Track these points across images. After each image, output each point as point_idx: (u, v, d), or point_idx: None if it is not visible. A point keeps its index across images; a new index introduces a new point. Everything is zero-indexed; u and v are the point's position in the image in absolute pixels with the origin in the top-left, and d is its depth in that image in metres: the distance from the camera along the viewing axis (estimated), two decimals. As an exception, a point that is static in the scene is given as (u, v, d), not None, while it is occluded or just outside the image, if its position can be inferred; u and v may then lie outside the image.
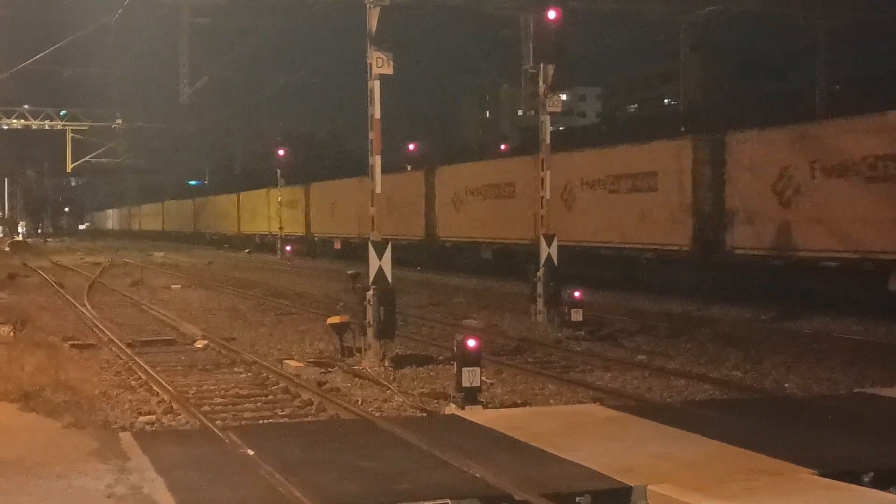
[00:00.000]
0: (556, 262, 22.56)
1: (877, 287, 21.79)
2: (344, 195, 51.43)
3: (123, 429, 11.49)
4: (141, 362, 16.27)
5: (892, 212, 21.50)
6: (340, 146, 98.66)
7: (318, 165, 78.58)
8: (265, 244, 63.87)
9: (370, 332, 16.36)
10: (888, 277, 21.57)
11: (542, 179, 23.17)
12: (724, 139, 26.65)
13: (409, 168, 50.32)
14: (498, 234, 36.88)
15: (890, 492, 8.35)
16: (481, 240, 38.21)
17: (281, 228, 58.81)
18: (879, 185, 21.99)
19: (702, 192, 26.93)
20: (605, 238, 30.37)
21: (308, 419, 12.44)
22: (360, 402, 13.21)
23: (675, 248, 27.56)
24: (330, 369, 15.91)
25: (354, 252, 44.71)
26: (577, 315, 20.40)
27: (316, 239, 56.47)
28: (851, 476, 8.55)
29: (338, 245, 51.76)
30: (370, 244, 16.74)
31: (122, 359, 17.22)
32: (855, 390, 13.78)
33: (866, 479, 8.59)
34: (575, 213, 32.04)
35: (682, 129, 37.69)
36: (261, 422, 12.33)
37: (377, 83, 16.72)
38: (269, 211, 63.26)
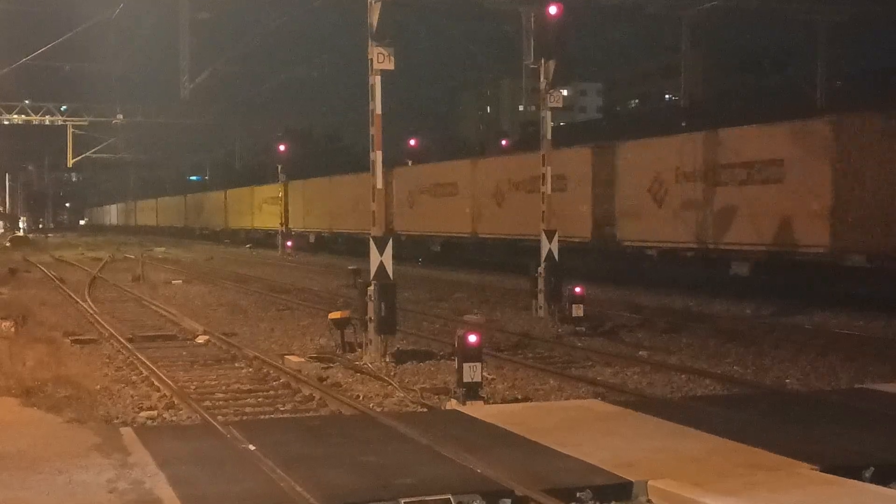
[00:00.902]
0: (556, 257, 22.57)
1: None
2: (317, 193, 56.06)
3: (125, 424, 11.51)
4: (142, 357, 16.28)
5: (729, 210, 25.88)
6: (341, 141, 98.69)
7: (317, 161, 78.62)
8: (250, 238, 68.22)
9: (371, 327, 16.36)
10: (730, 263, 26.15)
11: (544, 175, 23.17)
12: (614, 148, 31.23)
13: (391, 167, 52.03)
14: (444, 228, 40.84)
15: (890, 487, 8.36)
16: (430, 234, 41.66)
17: (282, 224, 59.01)
18: (716, 189, 26.59)
19: (598, 193, 31.30)
20: (527, 231, 32.28)
21: (309, 414, 12.45)
22: (361, 398, 13.22)
23: (579, 239, 31.33)
24: (331, 364, 15.92)
25: (326, 245, 53.84)
26: (577, 310, 20.41)
27: (293, 232, 59.51)
28: (852, 471, 8.56)
29: (312, 238, 56.63)
30: (371, 239, 16.74)
31: (123, 354, 17.24)
32: (855, 385, 13.80)
33: (867, 474, 8.60)
34: (505, 210, 36.34)
35: (683, 123, 37.72)
36: (262, 417, 12.33)
37: (378, 78, 16.70)
38: (252, 207, 68.65)
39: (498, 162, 38.96)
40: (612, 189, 30.71)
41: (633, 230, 29.82)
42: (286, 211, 60.73)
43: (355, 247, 46.78)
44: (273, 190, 63.61)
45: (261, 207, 66.49)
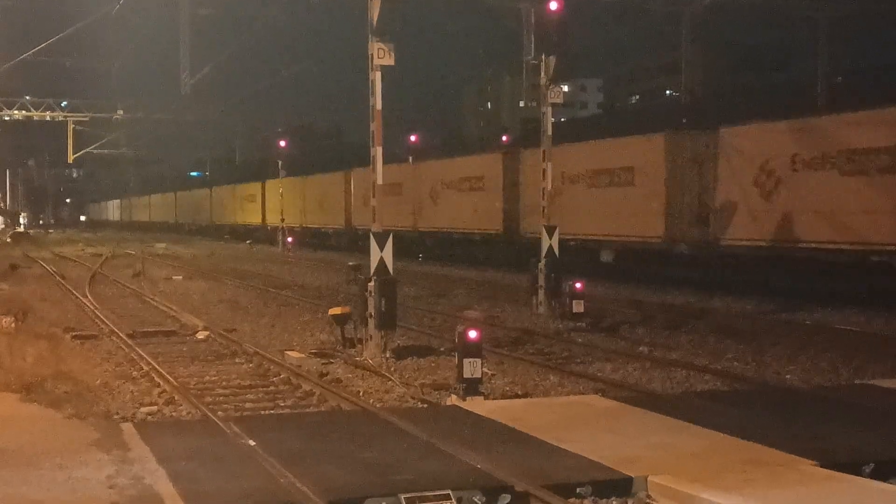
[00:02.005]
0: (557, 253, 22.57)
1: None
2: (291, 191, 59.52)
3: (125, 419, 11.51)
4: (142, 353, 16.28)
5: (611, 209, 28.87)
6: (342, 137, 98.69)
7: (318, 157, 78.71)
8: (235, 233, 72.53)
9: (371, 323, 16.36)
10: (600, 252, 29.78)
11: (544, 171, 23.17)
12: (519, 154, 35.88)
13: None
14: (391, 222, 42.29)
15: (890, 483, 8.36)
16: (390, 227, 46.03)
17: (282, 220, 59.18)
18: (607, 190, 29.90)
19: (508, 193, 35.86)
20: (456, 226, 39.16)
21: (309, 410, 12.45)
22: (361, 393, 13.22)
23: (493, 231, 36.80)
24: (331, 360, 15.92)
25: (299, 237, 56.88)
26: (578, 306, 20.43)
27: (269, 227, 63.95)
28: (852, 467, 8.57)
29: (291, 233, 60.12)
30: (371, 235, 16.72)
31: (123, 350, 17.23)
32: (856, 381, 13.81)
33: (867, 471, 8.62)
34: (439, 207, 41.24)
35: (684, 120, 37.72)
36: (262, 413, 12.33)
37: (378, 74, 16.69)
38: (234, 204, 73.81)
39: (435, 164, 44.11)
40: (518, 190, 35.40)
41: (534, 224, 30.55)
42: (263, 207, 65.34)
43: (323, 240, 53.52)
44: (253, 188, 68.20)
45: (242, 204, 71.22)
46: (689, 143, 27.70)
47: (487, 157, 38.86)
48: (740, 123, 26.94)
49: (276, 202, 60.58)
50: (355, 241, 48.52)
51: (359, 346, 16.63)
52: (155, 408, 12.44)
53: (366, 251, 37.58)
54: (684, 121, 37.25)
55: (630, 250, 30.10)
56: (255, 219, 67.47)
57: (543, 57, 22.27)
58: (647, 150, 28.89)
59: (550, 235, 22.71)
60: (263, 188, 65.75)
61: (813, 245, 23.92)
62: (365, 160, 52.56)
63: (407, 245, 41.39)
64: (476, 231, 38.31)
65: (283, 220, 59.26)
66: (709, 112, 38.66)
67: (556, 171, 28.26)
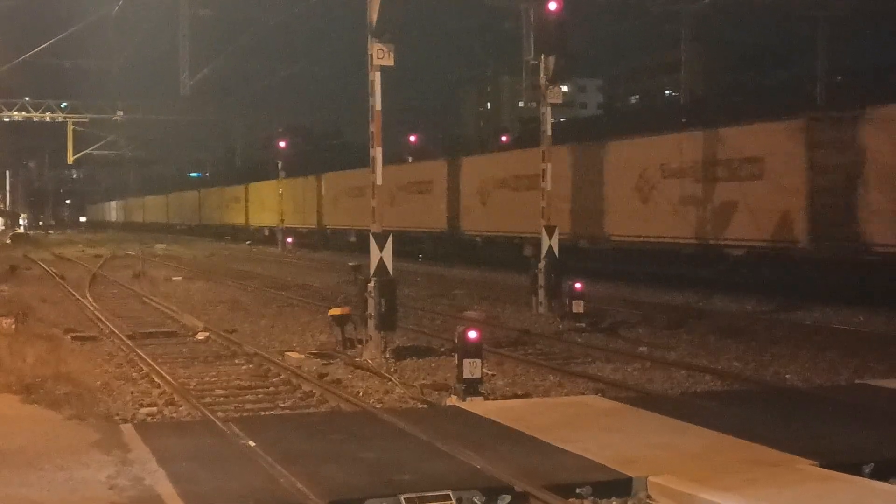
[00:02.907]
0: (556, 253, 22.57)
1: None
2: (271, 194, 64.42)
3: (125, 420, 11.51)
4: (142, 354, 16.29)
5: (530, 210, 28.39)
6: (342, 138, 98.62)
7: (318, 157, 78.76)
8: (221, 232, 77.30)
9: (371, 323, 16.35)
10: (523, 246, 32.62)
11: (544, 171, 23.18)
12: (460, 161, 41.43)
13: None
14: (357, 223, 48.51)
15: (890, 483, 8.36)
16: (348, 228, 51.47)
17: (282, 220, 59.49)
18: (525, 193, 33.10)
19: (451, 195, 40.52)
20: (407, 226, 42.09)
21: (309, 411, 12.45)
22: (361, 394, 13.22)
23: (438, 230, 41.47)
24: (331, 361, 15.92)
25: (276, 236, 61.10)
26: (578, 307, 20.42)
27: (251, 227, 69.85)
28: (852, 467, 8.57)
29: (266, 232, 65.54)
30: (371, 236, 16.72)
31: (123, 350, 17.24)
32: (855, 381, 13.80)
33: (867, 470, 8.62)
34: (394, 209, 43.26)
35: (683, 120, 37.78)
36: (262, 413, 12.33)
37: (378, 74, 16.68)
38: (221, 206, 78.99)
39: (397, 168, 47.01)
40: (457, 192, 40.32)
41: (471, 224, 39.26)
42: (246, 209, 70.97)
43: (299, 238, 58.38)
44: (238, 191, 73.87)
45: (228, 206, 76.73)
46: (582, 153, 32.21)
47: (435, 164, 44.22)
48: (624, 138, 31.04)
49: (257, 204, 68.11)
50: (326, 240, 55.38)
51: (359, 346, 16.63)
52: (155, 409, 12.43)
53: (336, 248, 38.57)
54: (684, 120, 38.97)
55: (361, 235, 40.02)
56: (239, 219, 72.91)
57: (543, 57, 22.27)
58: (553, 160, 30.52)
59: (550, 235, 22.70)
60: (247, 190, 71.30)
61: (668, 239, 28.39)
62: (335, 165, 54.06)
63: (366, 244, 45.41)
64: (426, 229, 43.15)
65: (282, 220, 59.37)
66: (601, 128, 46.60)
67: (488, 175, 37.88)
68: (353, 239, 49.64)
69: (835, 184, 23.06)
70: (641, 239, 29.31)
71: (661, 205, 28.33)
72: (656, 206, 28.55)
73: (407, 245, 42.07)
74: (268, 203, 64.99)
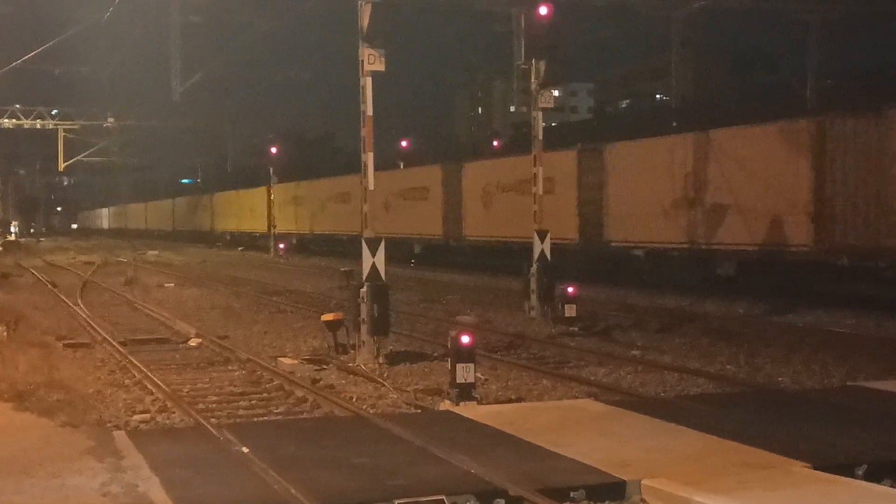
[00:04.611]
0: (549, 258, 22.58)
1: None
2: (231, 202, 73.67)
3: (118, 427, 11.48)
4: (135, 361, 16.25)
5: (417, 216, 38.22)
6: (333, 143, 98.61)
7: (309, 163, 78.82)
8: (194, 237, 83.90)
9: (364, 328, 16.35)
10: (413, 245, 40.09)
11: (535, 175, 23.19)
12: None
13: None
14: (295, 227, 59.06)
15: (883, 484, 8.38)
16: (294, 231, 58.85)
17: (274, 226, 59.78)
18: (415, 203, 40.75)
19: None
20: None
21: (302, 416, 12.43)
22: (354, 399, 13.21)
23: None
24: (324, 366, 15.91)
25: (238, 240, 70.46)
26: (570, 311, 20.44)
27: (217, 232, 77.32)
28: (845, 469, 8.59)
29: (228, 237, 73.92)
30: (363, 241, 16.71)
31: (115, 357, 17.20)
32: (847, 383, 13.83)
33: (859, 472, 8.63)
34: (322, 215, 52.93)
35: (675, 124, 37.88)
36: (255, 419, 12.33)
37: (369, 80, 16.70)
38: (192, 213, 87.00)
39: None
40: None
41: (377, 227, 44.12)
42: (212, 215, 79.47)
43: (254, 241, 66.21)
44: (204, 199, 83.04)
45: (195, 212, 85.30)
46: (449, 172, 41.21)
47: (350, 179, 48.39)
48: (473, 160, 42.86)
49: (220, 210, 77.20)
50: (276, 243, 61.30)
51: (352, 351, 16.62)
52: (148, 415, 12.41)
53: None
54: (675, 124, 40.02)
55: (429, 244, 43.38)
56: (207, 225, 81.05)
57: (534, 62, 22.28)
58: (433, 176, 42.38)
59: (542, 240, 22.71)
60: (211, 199, 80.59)
61: (504, 238, 35.66)
62: (283, 177, 60.68)
63: (341, 246, 52.89)
64: (344, 233, 50.57)
65: (274, 226, 59.46)
66: (458, 152, 56.12)
67: (396, 187, 43.40)
68: (293, 241, 58.92)
69: (592, 197, 31.79)
70: (484, 238, 38.47)
71: (498, 212, 36.92)
72: (495, 213, 37.21)
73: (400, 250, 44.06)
74: (230, 210, 74.46)
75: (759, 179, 24.78)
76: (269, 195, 63.19)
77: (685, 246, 27.77)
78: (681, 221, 27.71)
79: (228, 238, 73.49)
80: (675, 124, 38.96)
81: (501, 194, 37.10)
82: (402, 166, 56.63)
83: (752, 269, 26.01)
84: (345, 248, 50.47)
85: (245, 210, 69.78)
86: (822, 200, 23.13)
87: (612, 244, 30.91)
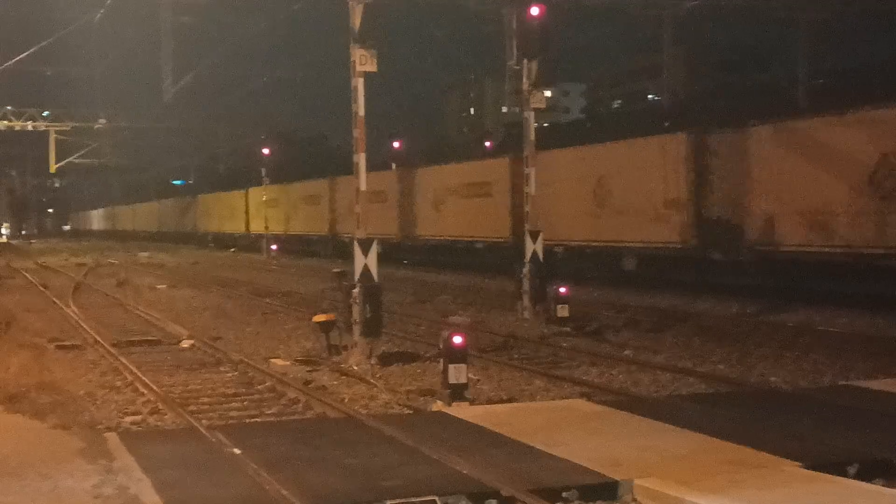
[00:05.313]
0: (541, 258, 22.59)
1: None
2: (212, 204, 77.52)
3: (109, 429, 11.45)
4: (126, 362, 16.22)
5: (377, 217, 33.46)
6: (325, 144, 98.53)
7: (302, 164, 78.79)
8: (177, 237, 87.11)
9: (356, 329, 16.35)
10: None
11: (527, 176, 23.19)
12: (336, 179, 50.37)
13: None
14: (272, 228, 61.17)
15: (874, 483, 8.40)
16: (267, 233, 60.65)
17: (266, 228, 59.72)
18: (374, 205, 36.30)
19: (333, 206, 51.21)
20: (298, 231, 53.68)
21: (295, 417, 12.42)
22: (346, 400, 13.19)
23: (323, 234, 52.26)
24: (316, 368, 15.90)
25: (221, 241, 73.75)
26: (563, 311, 20.45)
27: (200, 233, 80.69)
28: (836, 468, 8.60)
29: (210, 238, 77.60)
30: (355, 242, 16.72)
31: (107, 359, 17.16)
32: (839, 383, 13.85)
33: (851, 471, 8.65)
34: (294, 217, 57.02)
35: (666, 124, 37.93)
36: (247, 421, 12.31)
37: (361, 80, 16.70)
38: (175, 214, 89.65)
39: (296, 184, 58.07)
40: (336, 204, 50.20)
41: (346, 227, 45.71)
42: (195, 216, 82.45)
43: (235, 241, 69.41)
44: (185, 201, 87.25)
45: (179, 214, 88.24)
46: (403, 177, 44.37)
47: (322, 182, 54.02)
48: (425, 166, 45.06)
49: (203, 212, 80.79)
50: (253, 242, 64.76)
51: (344, 352, 16.61)
52: (139, 417, 12.39)
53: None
54: (666, 124, 40.45)
55: (387, 243, 41.08)
56: (190, 226, 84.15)
57: (525, 62, 22.28)
58: (391, 180, 44.59)
59: (534, 240, 22.72)
60: (195, 202, 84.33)
61: (459, 237, 39.59)
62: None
63: (285, 245, 58.11)
64: (312, 233, 55.48)
65: (266, 227, 59.47)
66: (412, 157, 56.79)
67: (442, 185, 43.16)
68: (244, 242, 66.15)
69: (519, 200, 31.46)
70: (436, 238, 41.67)
71: (446, 213, 40.53)
72: (444, 214, 40.75)
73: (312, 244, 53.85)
74: (211, 212, 78.83)
75: (653, 185, 28.14)
76: (246, 198, 67.46)
77: (596, 244, 30.91)
78: (592, 223, 30.27)
79: (210, 239, 77.07)
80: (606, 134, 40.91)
81: (450, 197, 40.45)
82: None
83: (650, 264, 29.36)
84: (314, 247, 54.71)
85: (225, 212, 73.56)
86: (700, 204, 26.65)
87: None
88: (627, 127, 39.65)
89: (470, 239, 38.82)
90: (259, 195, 63.41)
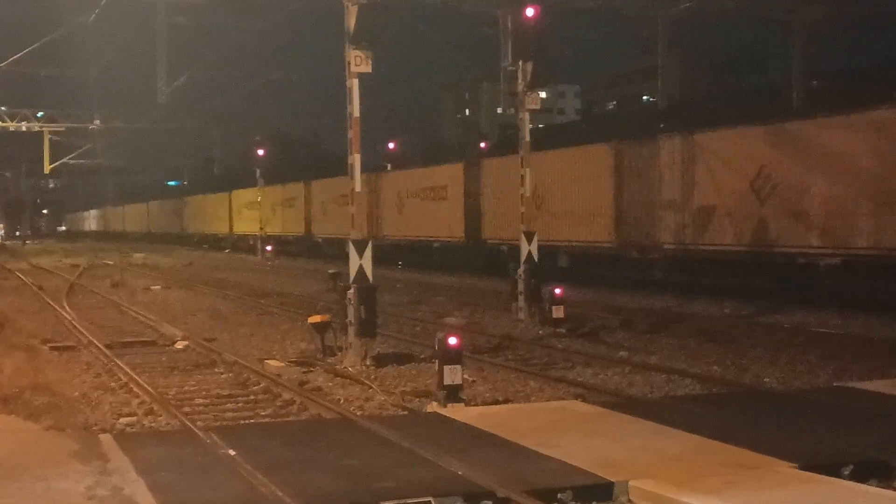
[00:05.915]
0: (536, 259, 22.58)
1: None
2: (200, 206, 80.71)
3: (104, 430, 11.43)
4: (121, 364, 16.20)
5: (343, 219, 36.05)
6: (320, 145, 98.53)
7: (296, 165, 78.77)
8: (166, 238, 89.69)
9: (351, 330, 16.34)
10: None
11: (523, 177, 23.17)
12: (311, 184, 55.67)
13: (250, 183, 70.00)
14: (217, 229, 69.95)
15: (869, 484, 8.40)
16: (250, 234, 64.15)
17: (262, 229, 59.76)
18: (343, 208, 37.50)
19: (308, 208, 55.22)
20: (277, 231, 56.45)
21: (289, 419, 12.42)
22: (341, 402, 13.19)
23: (299, 234, 55.73)
24: (311, 369, 15.89)
25: (207, 241, 76.75)
26: (558, 312, 20.44)
27: (187, 233, 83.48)
28: (831, 469, 8.60)
29: (196, 238, 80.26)
30: (350, 243, 16.70)
31: (101, 360, 17.14)
32: (834, 384, 13.86)
33: (846, 472, 8.65)
34: (274, 218, 60.22)
35: (661, 125, 37.96)
36: (242, 422, 12.30)
37: (356, 81, 16.68)
38: (165, 216, 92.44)
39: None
40: (311, 206, 54.46)
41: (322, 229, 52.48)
42: (182, 218, 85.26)
43: (218, 242, 72.79)
44: (175, 203, 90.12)
45: (168, 215, 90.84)
46: (370, 181, 43.86)
47: (298, 185, 57.80)
48: (388, 171, 49.09)
49: (190, 213, 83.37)
50: (235, 243, 68.62)
51: (339, 353, 16.60)
52: (134, 418, 12.38)
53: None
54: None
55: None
56: (177, 227, 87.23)
57: (521, 63, 22.27)
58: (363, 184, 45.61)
59: (529, 241, 22.71)
60: (182, 203, 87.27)
61: (418, 237, 42.61)
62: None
63: (289, 245, 60.06)
64: (290, 234, 59.10)
65: (262, 228, 59.47)
66: (376, 164, 59.37)
67: (332, 194, 47.31)
68: (226, 241, 69.88)
69: (474, 203, 37.88)
70: (398, 237, 44.47)
71: (407, 215, 43.51)
72: (406, 216, 43.71)
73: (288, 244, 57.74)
74: (198, 213, 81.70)
75: (583, 191, 31.64)
76: (230, 200, 70.52)
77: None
78: (530, 224, 30.60)
79: (195, 239, 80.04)
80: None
81: (410, 200, 43.52)
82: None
83: (580, 261, 32.64)
84: (291, 247, 58.27)
85: (210, 213, 76.95)
86: (619, 208, 30.00)
87: (489, 242, 37.02)
88: (569, 137, 42.93)
89: (428, 238, 41.90)
90: (241, 197, 67.01)
